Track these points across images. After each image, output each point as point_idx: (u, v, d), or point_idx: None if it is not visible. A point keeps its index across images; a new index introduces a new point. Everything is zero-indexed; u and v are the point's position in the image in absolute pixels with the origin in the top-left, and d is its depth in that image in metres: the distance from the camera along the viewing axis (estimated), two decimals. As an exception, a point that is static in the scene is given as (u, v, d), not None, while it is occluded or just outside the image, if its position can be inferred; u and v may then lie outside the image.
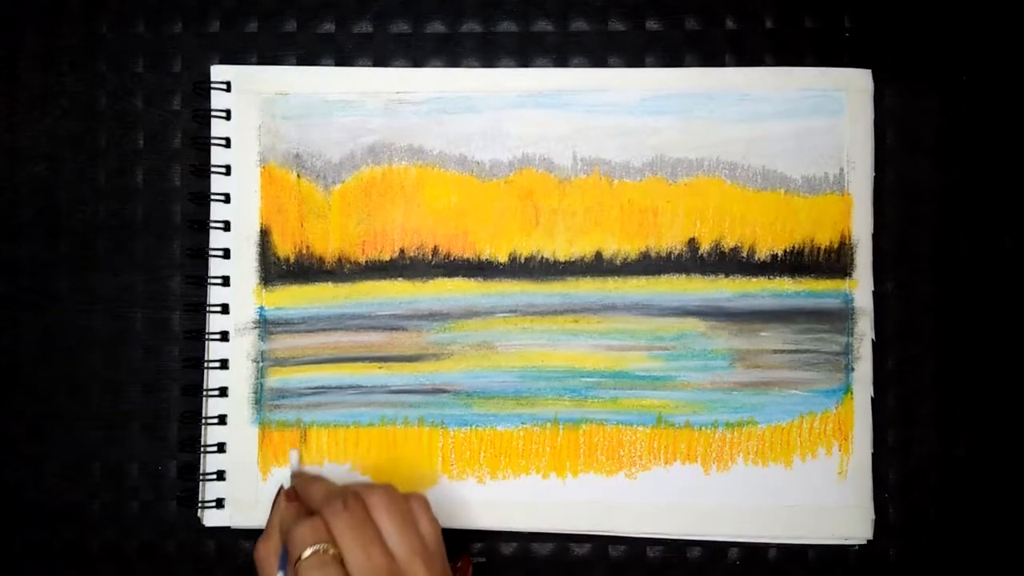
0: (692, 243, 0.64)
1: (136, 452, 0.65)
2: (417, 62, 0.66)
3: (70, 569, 0.65)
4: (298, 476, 0.62)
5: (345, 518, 0.52)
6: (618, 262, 0.64)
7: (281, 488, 0.61)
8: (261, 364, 0.64)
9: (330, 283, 0.64)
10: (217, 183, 0.65)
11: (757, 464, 0.63)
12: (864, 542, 0.63)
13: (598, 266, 0.64)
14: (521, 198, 0.64)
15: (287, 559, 0.53)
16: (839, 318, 0.64)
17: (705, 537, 0.64)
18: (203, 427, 0.64)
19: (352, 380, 0.64)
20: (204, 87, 0.65)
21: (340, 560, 0.51)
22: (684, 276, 0.64)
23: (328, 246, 0.64)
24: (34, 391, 0.65)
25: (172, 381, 0.65)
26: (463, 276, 0.64)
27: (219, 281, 0.64)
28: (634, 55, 0.66)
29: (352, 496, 0.54)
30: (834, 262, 0.64)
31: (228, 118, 0.65)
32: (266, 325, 0.64)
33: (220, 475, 0.64)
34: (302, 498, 0.58)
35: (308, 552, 0.51)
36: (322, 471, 0.63)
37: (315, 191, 0.64)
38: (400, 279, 0.64)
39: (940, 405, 0.64)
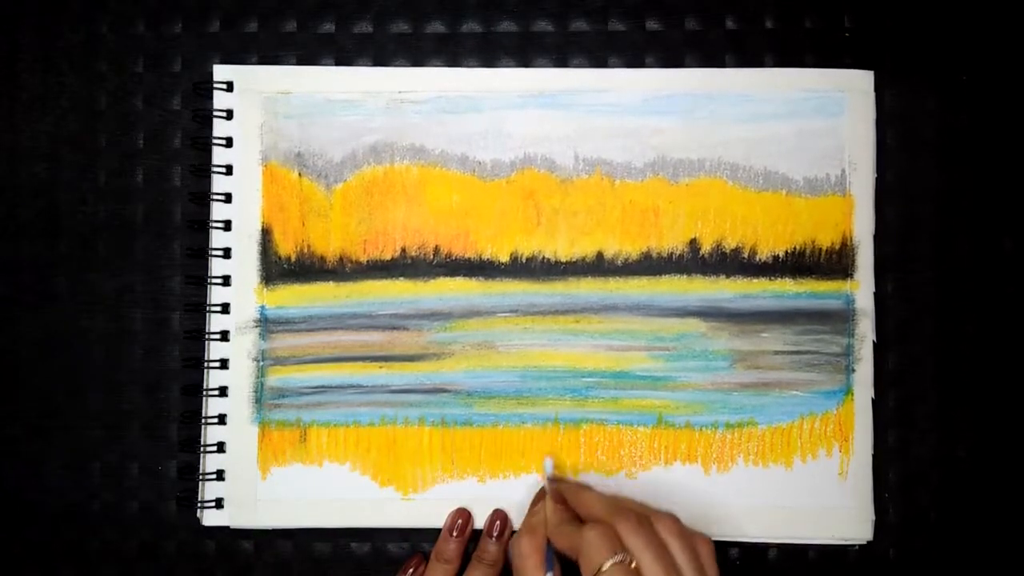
0: (693, 244, 0.64)
1: (136, 452, 0.65)
2: (417, 62, 0.66)
3: (70, 569, 0.65)
4: (556, 480, 0.62)
5: (642, 536, 0.52)
6: (619, 262, 0.64)
7: (545, 489, 0.61)
8: (261, 363, 0.64)
9: (331, 282, 0.64)
10: (218, 183, 0.65)
11: (757, 465, 0.64)
12: (864, 542, 0.63)
13: (599, 266, 0.64)
14: (523, 198, 0.64)
15: (552, 558, 0.54)
16: (840, 319, 0.64)
17: (705, 537, 0.64)
18: (203, 427, 0.64)
19: (353, 379, 0.64)
20: (205, 87, 0.65)
21: (639, 574, 0.51)
22: (685, 277, 0.64)
23: (329, 245, 0.64)
24: (34, 391, 0.65)
25: (172, 381, 0.65)
26: (464, 276, 0.64)
27: (219, 281, 0.64)
28: (634, 55, 0.66)
29: (642, 515, 0.54)
30: (835, 263, 0.64)
31: (229, 118, 0.65)
32: (267, 324, 0.64)
33: (220, 475, 0.64)
34: (571, 504, 0.58)
35: (611, 562, 0.51)
36: (320, 469, 0.64)
37: (317, 190, 0.64)
38: (401, 278, 0.64)
39: (940, 406, 0.64)
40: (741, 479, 0.63)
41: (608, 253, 0.64)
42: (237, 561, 0.64)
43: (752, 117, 0.64)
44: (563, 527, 0.55)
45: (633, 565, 0.51)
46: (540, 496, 0.61)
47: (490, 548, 0.61)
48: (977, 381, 0.64)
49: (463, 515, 0.62)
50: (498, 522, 0.62)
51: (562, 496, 0.59)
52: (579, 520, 0.57)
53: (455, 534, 0.62)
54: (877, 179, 0.64)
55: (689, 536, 0.54)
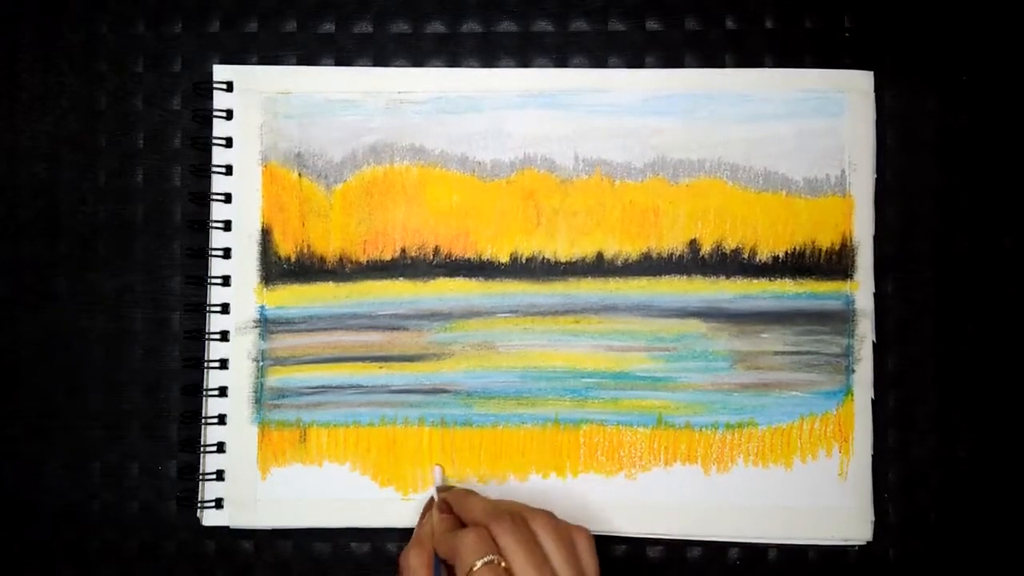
0: (693, 244, 0.64)
1: (136, 452, 0.65)
2: (417, 62, 0.66)
3: (70, 569, 0.65)
4: (445, 490, 0.62)
5: (515, 535, 0.52)
6: (619, 263, 0.64)
7: (432, 499, 0.61)
8: (261, 363, 0.64)
9: (331, 282, 0.64)
10: (218, 183, 0.65)
11: (757, 465, 0.64)
12: (864, 543, 0.63)
13: (599, 267, 0.64)
14: (523, 198, 0.64)
15: (439, 569, 0.54)
16: (840, 320, 0.64)
17: (705, 537, 0.64)
18: (203, 427, 0.64)
19: (352, 380, 0.64)
20: (205, 87, 0.65)
21: (510, 575, 0.51)
22: (685, 277, 0.64)
23: (329, 245, 0.64)
24: (34, 391, 0.65)
25: (172, 381, 0.65)
26: (464, 276, 0.64)
27: (219, 281, 0.64)
28: (634, 55, 0.66)
29: (516, 515, 0.54)
30: (835, 264, 0.64)
31: (229, 118, 0.65)
32: (267, 324, 0.64)
33: (219, 475, 0.64)
34: (456, 511, 0.58)
35: (480, 563, 0.51)
36: (320, 470, 0.64)
37: (316, 190, 0.64)
38: (401, 279, 0.64)
39: (940, 406, 0.64)
40: (741, 480, 0.63)
41: (608, 253, 0.64)
42: (237, 561, 0.65)
43: (752, 117, 0.64)
44: (446, 535, 0.55)
45: (503, 565, 0.51)
46: (429, 506, 0.61)
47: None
48: (977, 381, 0.64)
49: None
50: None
51: (447, 503, 0.59)
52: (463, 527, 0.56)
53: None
54: (877, 179, 0.64)
55: (564, 530, 0.54)
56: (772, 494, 0.63)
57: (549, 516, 0.54)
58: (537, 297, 0.64)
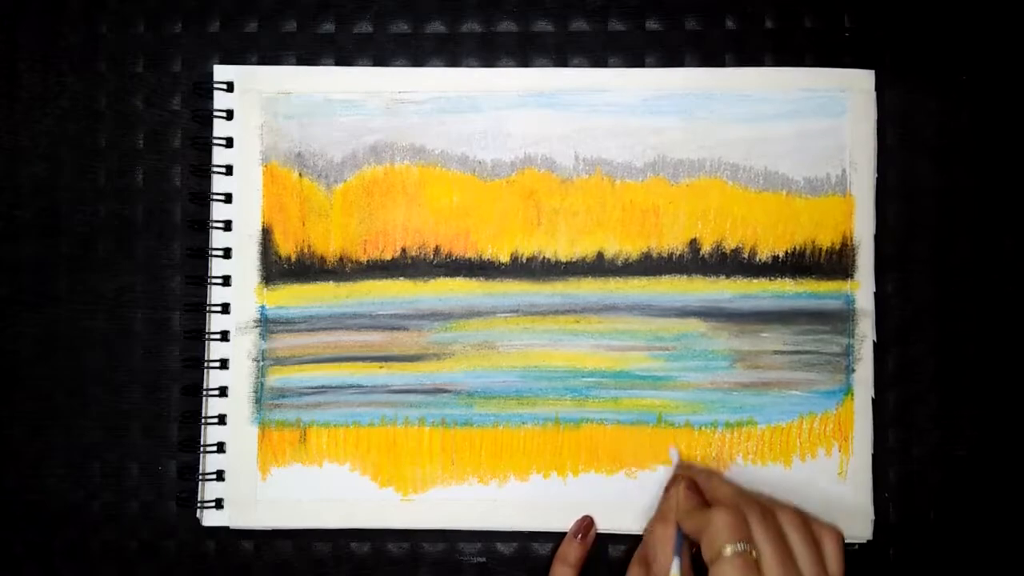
0: (693, 244, 0.64)
1: (136, 452, 0.65)
2: (417, 62, 0.66)
3: (70, 569, 0.65)
4: (687, 468, 0.62)
5: (765, 526, 0.53)
6: (619, 262, 0.64)
7: (678, 476, 0.61)
8: (261, 363, 0.64)
9: (331, 282, 0.64)
10: (218, 183, 0.65)
11: (756, 464, 0.64)
12: (864, 542, 0.63)
13: (599, 266, 0.64)
14: (523, 198, 0.64)
15: (682, 543, 0.55)
16: (840, 319, 0.64)
17: (705, 537, 0.64)
18: (203, 427, 0.64)
19: (353, 380, 0.64)
20: (205, 87, 0.65)
21: (758, 566, 0.51)
22: (685, 277, 0.64)
23: (330, 245, 0.64)
24: (34, 391, 0.65)
25: (172, 381, 0.65)
26: (465, 276, 0.64)
27: (219, 281, 0.64)
28: (634, 55, 0.66)
29: (767, 507, 0.54)
30: (835, 263, 0.64)
31: (229, 118, 0.65)
32: (267, 324, 0.64)
33: (219, 475, 0.64)
34: (703, 490, 0.59)
35: (731, 549, 0.51)
36: (320, 470, 0.64)
37: (317, 190, 0.64)
38: (401, 279, 0.64)
39: (940, 406, 0.64)
40: (740, 478, 0.63)
41: (608, 253, 0.64)
42: (237, 561, 0.64)
43: (752, 117, 0.64)
44: (693, 512, 0.56)
45: (754, 555, 0.51)
46: (673, 482, 0.61)
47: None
48: (977, 381, 0.64)
49: (587, 521, 0.63)
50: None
51: (694, 482, 0.59)
52: (708, 506, 0.57)
53: (579, 537, 0.62)
54: (877, 179, 0.64)
55: (813, 530, 0.54)
56: (772, 493, 0.63)
57: (798, 512, 0.55)
58: (537, 297, 0.64)
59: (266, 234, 0.64)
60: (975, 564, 0.64)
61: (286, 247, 0.64)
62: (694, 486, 0.59)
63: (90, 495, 0.65)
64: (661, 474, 0.63)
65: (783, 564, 0.51)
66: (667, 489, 0.62)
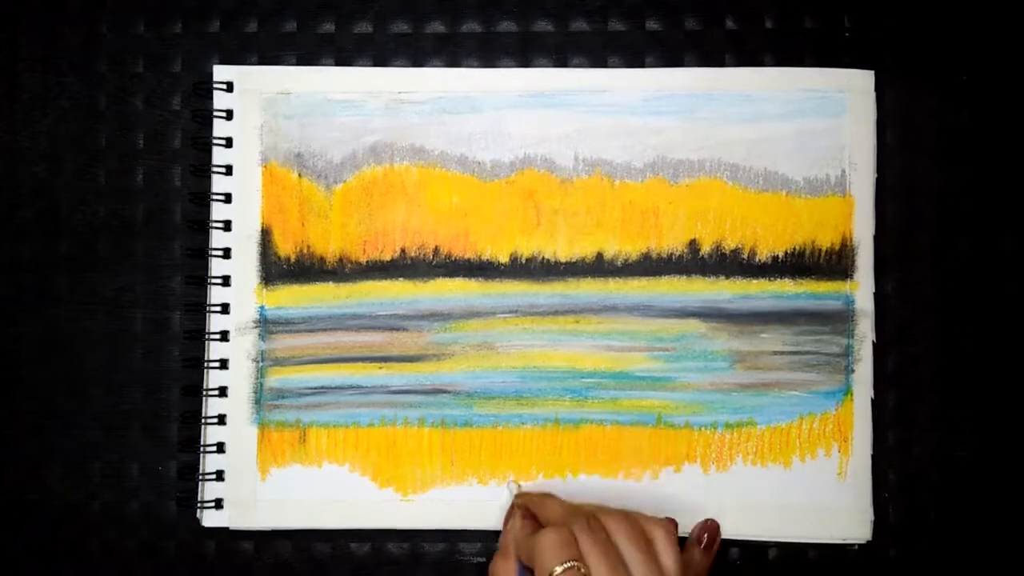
0: (693, 244, 0.64)
1: (136, 452, 0.65)
2: (417, 62, 0.66)
3: (70, 569, 0.65)
4: (524, 495, 0.62)
5: (591, 538, 0.52)
6: (619, 263, 0.64)
7: (513, 505, 0.61)
8: (261, 364, 0.64)
9: (331, 283, 0.64)
10: (218, 183, 0.65)
11: (756, 465, 0.64)
12: (864, 542, 0.63)
13: (599, 267, 0.64)
14: (522, 198, 0.64)
15: (524, 575, 0.54)
16: (840, 320, 0.64)
17: (705, 537, 0.64)
18: (203, 427, 0.64)
19: (352, 380, 0.64)
20: (205, 87, 0.65)
21: None
22: (685, 277, 0.64)
23: (329, 246, 0.64)
24: (34, 391, 0.65)
25: (172, 381, 0.65)
26: (464, 276, 0.64)
27: (219, 281, 0.64)
28: (634, 55, 0.66)
29: (593, 517, 0.54)
30: (835, 264, 0.64)
31: (229, 118, 0.65)
32: (266, 325, 0.64)
33: (219, 475, 0.64)
34: (537, 516, 0.58)
35: (561, 568, 0.51)
36: (320, 470, 0.64)
37: (316, 190, 0.64)
38: (401, 279, 0.64)
39: (940, 406, 0.64)
40: (740, 479, 0.63)
41: (608, 254, 0.64)
42: (237, 561, 0.65)
43: (752, 117, 0.64)
44: (526, 539, 0.55)
45: (582, 570, 0.51)
46: (511, 513, 0.61)
47: (696, 556, 0.60)
48: (977, 381, 0.64)
49: (712, 527, 0.61)
50: (706, 534, 0.61)
51: (527, 510, 0.59)
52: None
53: (703, 546, 0.61)
54: (877, 179, 0.64)
55: (640, 529, 0.54)
56: (771, 493, 0.63)
57: (623, 516, 0.55)
58: (537, 297, 0.64)
59: (266, 234, 0.64)
60: (975, 564, 0.64)
61: (286, 247, 0.64)
62: (528, 513, 0.58)
63: (90, 495, 0.65)
64: (662, 477, 0.64)
65: (612, 568, 0.51)
66: (505, 521, 0.61)
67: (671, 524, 0.55)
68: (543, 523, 0.57)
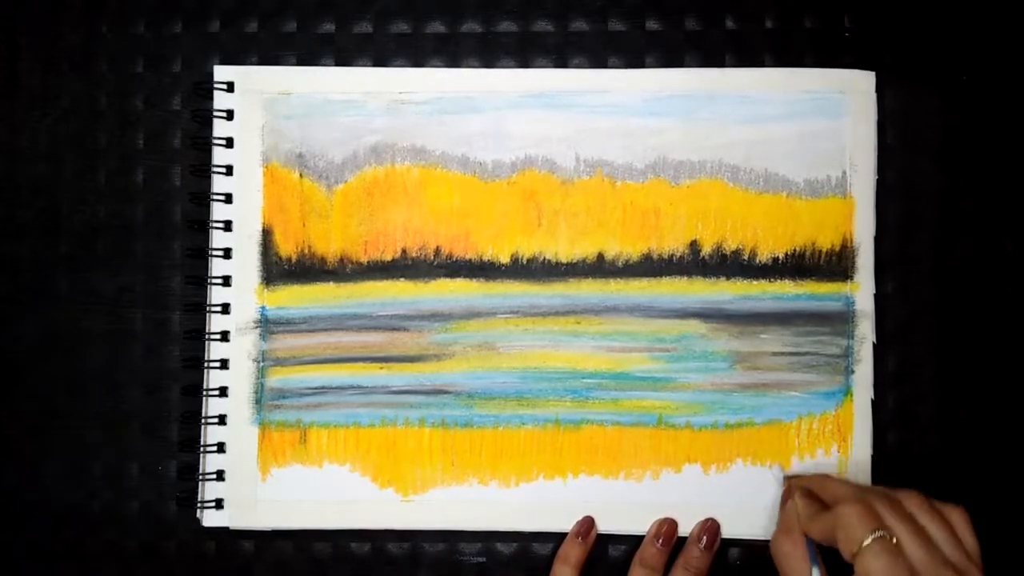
0: (694, 245, 0.64)
1: (136, 452, 0.65)
2: (417, 62, 0.66)
3: (70, 569, 0.65)
4: (798, 477, 0.62)
5: (895, 512, 0.53)
6: (620, 264, 0.64)
7: (790, 486, 0.61)
8: (261, 364, 0.64)
9: (332, 283, 0.64)
10: (219, 183, 0.64)
11: (756, 465, 0.64)
12: (864, 542, 0.63)
13: (600, 267, 0.64)
14: (523, 199, 0.64)
15: (814, 551, 0.55)
16: (840, 321, 0.64)
17: (705, 537, 0.64)
18: (203, 427, 0.64)
19: (353, 380, 0.64)
20: (206, 87, 0.65)
21: (900, 550, 0.51)
22: (685, 278, 0.64)
23: (330, 246, 0.64)
24: (34, 391, 0.65)
25: (172, 381, 0.65)
26: (465, 277, 0.64)
27: (220, 281, 0.64)
28: (634, 55, 0.66)
29: (891, 495, 0.54)
30: (835, 265, 0.64)
31: (230, 118, 0.65)
32: (267, 325, 0.64)
33: (219, 475, 0.64)
34: (820, 496, 0.58)
35: (872, 537, 0.51)
36: (320, 470, 0.64)
37: (317, 191, 0.64)
38: (402, 279, 0.64)
39: (940, 406, 0.64)
40: (740, 479, 0.63)
41: (609, 254, 0.64)
42: (237, 561, 0.65)
43: (753, 118, 0.64)
44: (817, 516, 0.55)
45: (894, 540, 0.51)
46: (787, 496, 0.60)
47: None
48: (977, 381, 0.64)
49: (588, 522, 0.63)
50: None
51: (808, 490, 0.59)
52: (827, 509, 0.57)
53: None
54: (877, 180, 0.64)
55: (939, 509, 0.54)
56: (771, 493, 0.63)
57: (921, 495, 0.55)
58: (538, 298, 0.64)
59: (266, 235, 0.64)
60: (974, 565, 0.64)
61: (286, 248, 0.64)
62: (810, 493, 0.59)
63: (90, 495, 0.65)
64: (662, 478, 0.64)
65: (924, 545, 0.51)
66: (783, 503, 0.61)
67: (965, 509, 0.55)
68: (830, 502, 0.57)
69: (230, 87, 0.65)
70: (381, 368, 0.64)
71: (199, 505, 0.64)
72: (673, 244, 0.64)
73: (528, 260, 0.64)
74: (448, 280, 0.64)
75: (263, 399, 0.64)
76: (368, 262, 0.64)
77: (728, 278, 0.64)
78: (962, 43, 0.65)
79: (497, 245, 0.64)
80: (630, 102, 0.64)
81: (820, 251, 0.64)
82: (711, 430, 0.64)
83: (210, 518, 0.64)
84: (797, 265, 0.64)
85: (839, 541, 0.52)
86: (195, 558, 0.65)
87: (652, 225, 0.64)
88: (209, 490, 0.64)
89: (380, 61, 0.66)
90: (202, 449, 0.64)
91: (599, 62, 0.66)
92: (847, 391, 0.64)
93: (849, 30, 0.66)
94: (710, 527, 0.62)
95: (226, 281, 0.64)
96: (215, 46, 0.66)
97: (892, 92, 0.65)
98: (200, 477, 0.64)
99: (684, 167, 0.64)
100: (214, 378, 0.64)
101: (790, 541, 0.56)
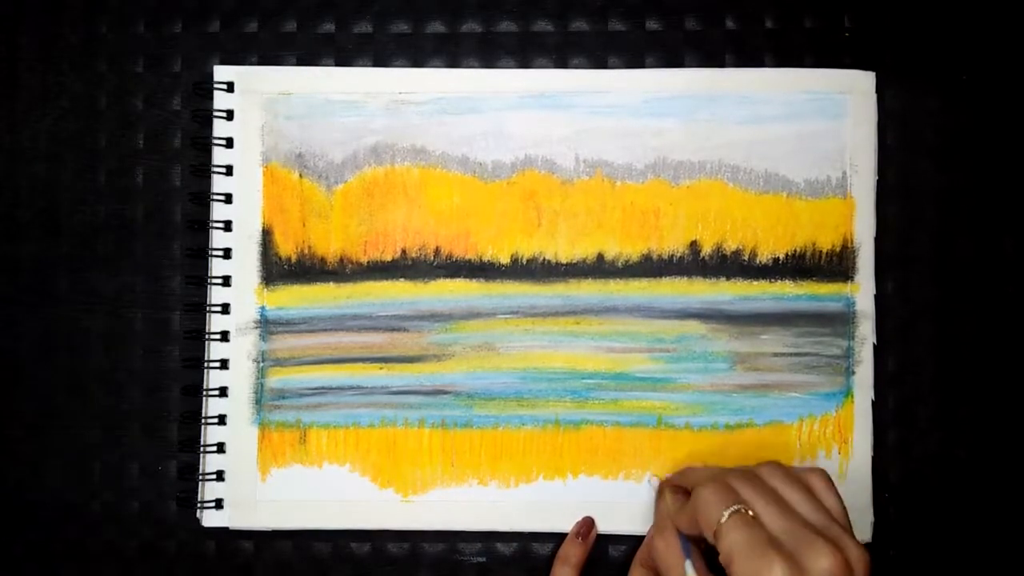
0: (694, 246, 0.64)
1: (136, 452, 0.65)
2: (417, 62, 0.66)
3: (70, 569, 0.65)
4: (667, 480, 0.62)
5: (751, 484, 0.52)
6: (620, 264, 0.64)
7: (662, 485, 0.61)
8: (261, 364, 0.64)
9: (331, 283, 0.64)
10: (218, 183, 0.64)
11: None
12: (864, 542, 0.63)
13: (600, 268, 0.64)
14: (523, 199, 0.64)
15: (688, 547, 0.54)
16: (840, 321, 0.64)
17: (705, 538, 0.64)
18: (203, 427, 0.64)
19: (353, 381, 0.64)
20: (206, 87, 0.65)
21: (758, 521, 0.50)
22: (685, 279, 0.64)
23: (330, 246, 0.64)
24: (34, 391, 0.65)
25: (172, 381, 0.65)
26: (465, 277, 0.64)
27: (220, 281, 0.64)
28: (634, 55, 0.66)
29: (747, 470, 0.54)
30: (836, 265, 0.64)
31: (230, 118, 0.65)
32: (267, 325, 0.64)
33: (219, 475, 0.64)
34: (684, 486, 0.58)
35: (727, 513, 0.50)
36: (320, 471, 0.64)
37: (317, 191, 0.64)
38: (402, 280, 0.64)
39: (940, 407, 0.64)
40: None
41: (609, 255, 0.64)
42: (237, 561, 0.65)
43: (753, 119, 0.64)
44: (682, 508, 0.55)
45: (750, 513, 0.50)
46: (659, 495, 0.61)
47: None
48: (977, 381, 0.64)
49: (588, 522, 0.63)
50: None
51: (676, 485, 0.59)
52: None
53: (580, 538, 0.63)
54: (878, 180, 0.64)
55: (796, 475, 0.54)
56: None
57: (776, 464, 0.55)
58: (538, 298, 0.64)
59: (266, 235, 0.64)
60: (975, 564, 0.64)
61: (286, 248, 0.64)
62: (678, 488, 0.58)
63: (90, 495, 0.65)
64: (661, 475, 0.64)
65: (782, 512, 0.50)
66: (656, 505, 0.61)
67: (824, 471, 0.55)
68: (691, 489, 0.56)
69: (230, 87, 0.65)
70: (381, 368, 0.64)
71: (199, 505, 0.64)
72: (673, 244, 0.64)
73: (528, 260, 0.64)
74: (448, 280, 0.64)
75: (263, 399, 0.64)
76: (368, 262, 0.64)
77: (728, 278, 0.64)
78: (962, 43, 0.65)
79: (497, 245, 0.64)
80: (630, 102, 0.64)
81: (820, 251, 0.64)
82: (711, 431, 0.64)
83: (210, 518, 0.64)
84: (797, 266, 0.64)
85: (702, 527, 0.52)
86: (195, 558, 0.65)
87: (652, 225, 0.64)
88: (209, 490, 0.64)
89: (380, 61, 0.66)
90: (202, 449, 0.64)
91: (599, 62, 0.66)
92: (848, 392, 0.64)
93: (849, 30, 0.66)
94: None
95: (226, 281, 0.64)
96: (215, 46, 0.66)
97: (892, 92, 0.65)
98: (200, 477, 0.64)
99: (684, 167, 0.64)
100: (214, 378, 0.64)
101: (663, 539, 0.56)
